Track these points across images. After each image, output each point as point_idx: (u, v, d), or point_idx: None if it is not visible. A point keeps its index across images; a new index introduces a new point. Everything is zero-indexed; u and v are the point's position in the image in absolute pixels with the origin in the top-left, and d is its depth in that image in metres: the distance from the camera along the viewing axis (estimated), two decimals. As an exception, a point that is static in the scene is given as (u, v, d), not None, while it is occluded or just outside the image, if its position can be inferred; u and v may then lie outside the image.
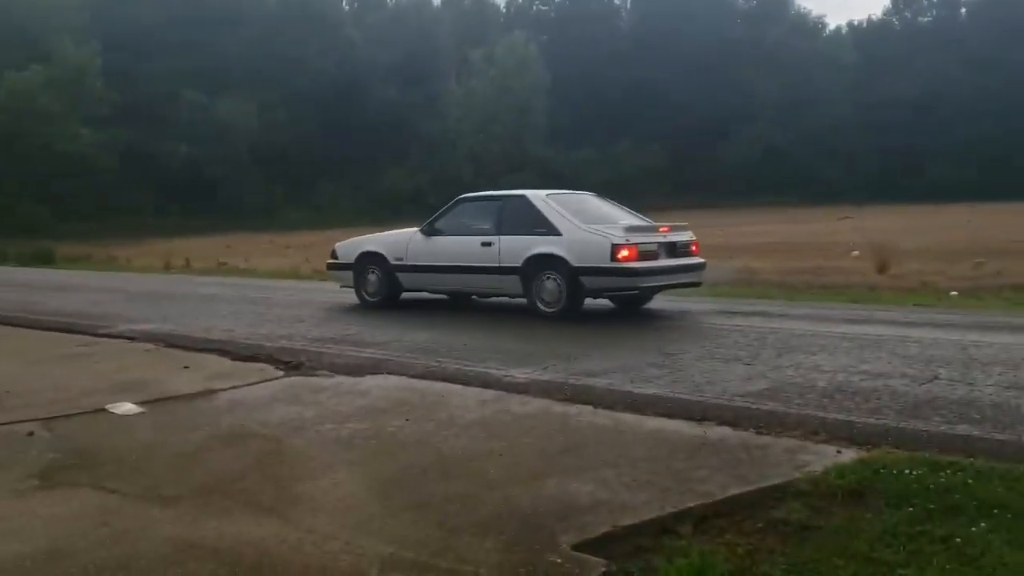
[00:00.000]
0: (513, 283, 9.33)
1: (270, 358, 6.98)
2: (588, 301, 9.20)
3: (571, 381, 5.72)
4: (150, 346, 7.78)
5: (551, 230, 9.06)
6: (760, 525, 3.35)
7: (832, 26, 76.04)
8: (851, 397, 5.15)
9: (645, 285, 9.00)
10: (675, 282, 9.35)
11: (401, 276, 10.34)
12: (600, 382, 5.68)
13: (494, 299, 10.33)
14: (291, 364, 6.72)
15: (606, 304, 9.75)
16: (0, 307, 10.98)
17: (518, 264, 9.17)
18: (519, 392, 5.50)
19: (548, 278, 9.00)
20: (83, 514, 3.61)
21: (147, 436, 4.79)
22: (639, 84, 61.97)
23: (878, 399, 5.10)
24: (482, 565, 3.02)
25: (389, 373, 6.28)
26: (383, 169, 52.87)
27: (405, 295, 10.53)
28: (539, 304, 9.09)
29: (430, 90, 57.24)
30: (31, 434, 4.85)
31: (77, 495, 3.86)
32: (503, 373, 6.05)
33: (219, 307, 10.74)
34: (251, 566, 3.06)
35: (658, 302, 10.16)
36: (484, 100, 57.07)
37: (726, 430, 4.56)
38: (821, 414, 4.76)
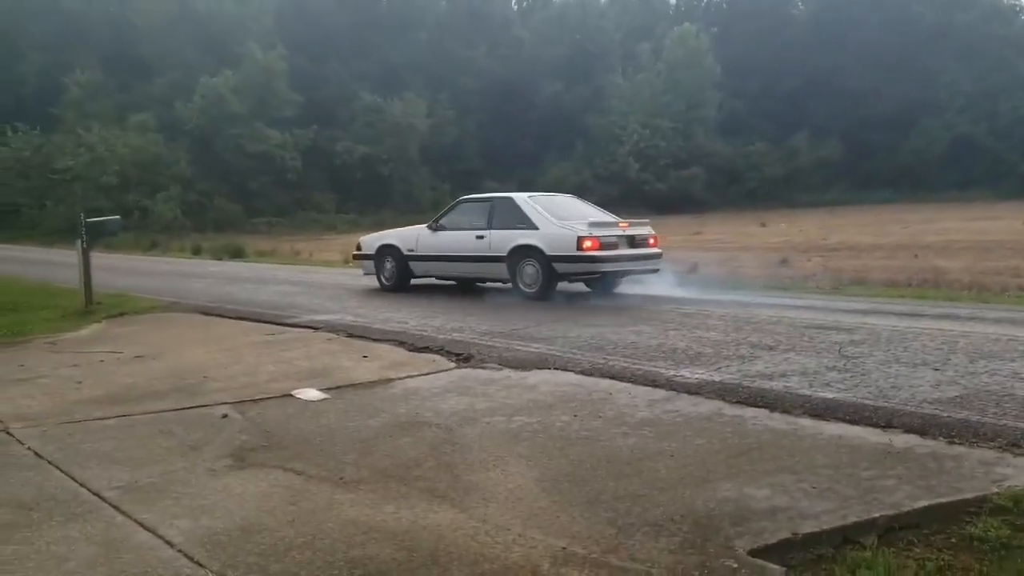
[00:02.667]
0: (500, 269, 11.05)
1: (442, 350, 7.20)
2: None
3: (745, 383, 5.55)
4: (332, 336, 8.19)
5: (530, 225, 10.79)
6: (953, 541, 3.17)
7: (1033, 8, 69.93)
8: (1057, 409, 4.73)
9: (605, 270, 10.65)
10: (633, 268, 11.03)
11: (412, 264, 12.14)
12: (776, 385, 5.48)
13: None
14: (462, 356, 6.90)
15: (791, 304, 9.81)
16: (198, 298, 11.87)
17: (504, 254, 10.90)
18: (690, 393, 5.40)
19: (528, 264, 10.74)
20: (272, 494, 3.83)
21: (330, 421, 5.04)
22: (816, 75, 59.34)
23: (1089, 412, 4.65)
24: (655, 565, 2.99)
25: (556, 368, 6.32)
26: (548, 165, 53.18)
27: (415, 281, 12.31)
28: (521, 286, 10.78)
29: (596, 85, 57.08)
30: (225, 416, 5.20)
31: (266, 475, 4.10)
32: (673, 373, 5.95)
33: (393, 300, 11.16)
34: (428, 551, 3.15)
35: (837, 303, 9.77)
36: (651, 94, 56.30)
37: (914, 438, 4.31)
38: (1022, 425, 4.40)
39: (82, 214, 11.28)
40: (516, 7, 65.34)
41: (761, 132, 58.63)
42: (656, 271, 11.36)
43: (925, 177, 55.65)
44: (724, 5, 69.68)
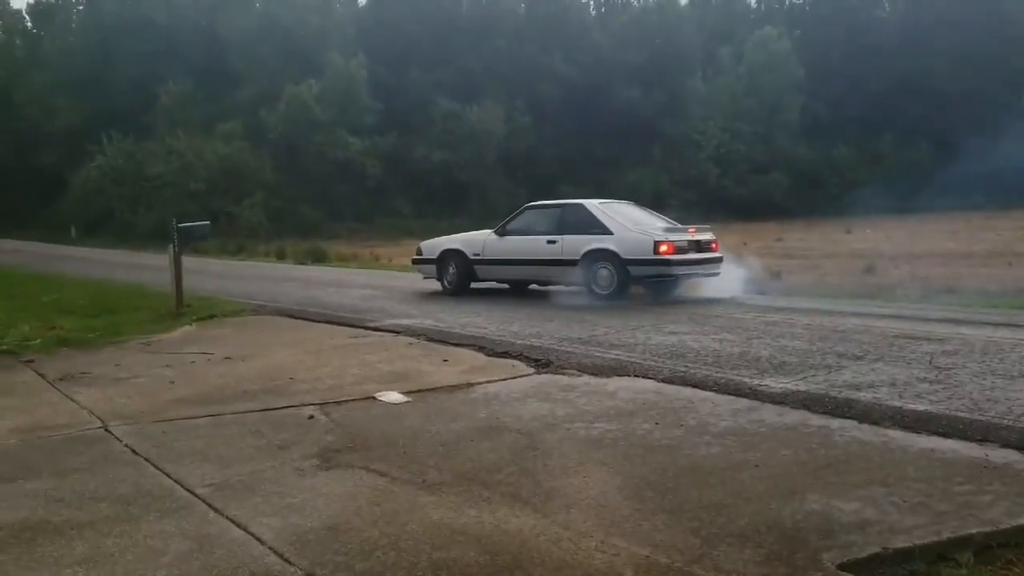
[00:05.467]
0: (571, 273, 11.31)
1: (521, 355, 7.22)
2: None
3: (832, 393, 5.43)
4: (412, 340, 8.30)
5: (604, 230, 11.15)
6: (1055, 561, 3.03)
7: None
8: None
9: (679, 272, 11.00)
10: (699, 272, 11.33)
11: (478, 268, 12.50)
12: (865, 396, 5.34)
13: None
14: (541, 362, 6.91)
15: (879, 312, 9.53)
16: (284, 301, 12.17)
17: (577, 257, 11.22)
18: (774, 403, 5.30)
19: (603, 268, 11.04)
20: (357, 494, 3.90)
21: (413, 424, 5.11)
22: (903, 77, 57.53)
23: None
24: (741, 577, 2.94)
25: (635, 376, 6.27)
26: (625, 170, 52.76)
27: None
28: (594, 288, 11.06)
29: (674, 90, 56.49)
30: (311, 417, 5.32)
31: (352, 476, 4.17)
32: (757, 382, 5.86)
33: (472, 304, 11.25)
34: (511, 556, 3.17)
35: (927, 312, 9.47)
36: (731, 98, 55.52)
37: (1012, 453, 4.15)
38: None
39: (173, 219, 11.61)
40: (594, 12, 65.07)
41: (845, 136, 57.22)
42: (718, 274, 11.68)
43: (1020, 182, 53.44)
44: (807, 7, 68.13)
